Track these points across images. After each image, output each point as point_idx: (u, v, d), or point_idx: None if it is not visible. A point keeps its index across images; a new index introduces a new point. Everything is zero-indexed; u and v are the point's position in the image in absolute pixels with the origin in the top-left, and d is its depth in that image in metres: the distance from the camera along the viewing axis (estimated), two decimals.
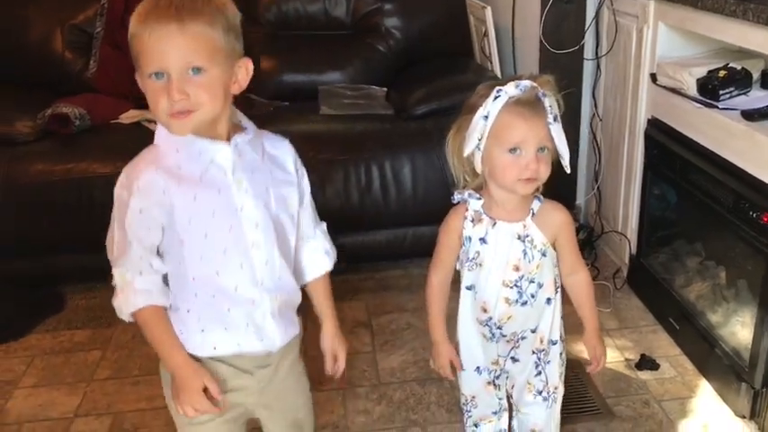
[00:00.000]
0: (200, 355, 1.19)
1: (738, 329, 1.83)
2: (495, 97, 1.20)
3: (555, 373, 1.42)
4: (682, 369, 1.98)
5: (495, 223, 1.31)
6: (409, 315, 2.32)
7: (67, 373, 2.11)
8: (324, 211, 2.32)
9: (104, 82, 2.80)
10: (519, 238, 1.31)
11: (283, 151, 1.23)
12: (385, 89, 2.84)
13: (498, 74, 2.82)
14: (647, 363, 1.98)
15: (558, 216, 1.34)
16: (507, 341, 1.39)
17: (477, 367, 1.45)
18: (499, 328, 1.38)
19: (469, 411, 1.52)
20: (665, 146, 2.09)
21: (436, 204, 2.45)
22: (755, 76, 1.92)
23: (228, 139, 1.14)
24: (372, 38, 2.95)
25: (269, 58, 2.92)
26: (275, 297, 1.20)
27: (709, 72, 1.92)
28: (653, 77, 2.13)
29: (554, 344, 1.40)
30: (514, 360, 1.42)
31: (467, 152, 1.26)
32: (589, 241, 2.60)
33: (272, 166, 1.20)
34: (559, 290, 1.39)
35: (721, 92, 1.87)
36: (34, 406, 1.98)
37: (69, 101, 2.56)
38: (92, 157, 2.39)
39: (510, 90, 1.20)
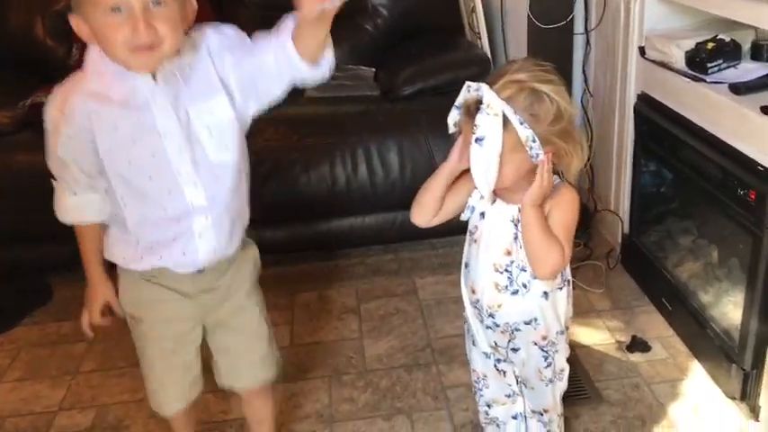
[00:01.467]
0: (132, 269, 1.29)
1: (730, 309, 1.79)
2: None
3: (562, 358, 1.38)
4: (674, 351, 1.94)
5: (494, 200, 1.26)
6: (398, 300, 2.29)
7: (53, 366, 2.10)
8: (310, 196, 2.33)
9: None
10: (512, 221, 1.24)
11: (198, 60, 1.18)
12: (373, 69, 2.78)
13: (487, 51, 2.76)
14: (638, 345, 1.94)
15: (554, 197, 1.22)
16: (502, 332, 1.33)
17: (483, 351, 1.41)
18: (491, 316, 1.31)
19: (481, 390, 1.47)
20: (654, 122, 2.03)
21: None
22: (745, 47, 1.85)
23: None
24: (359, 16, 2.88)
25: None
26: (206, 216, 1.23)
27: (698, 44, 1.86)
28: (641, 51, 2.06)
29: (561, 334, 1.34)
30: (514, 350, 1.36)
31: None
32: (583, 220, 2.54)
33: (193, 82, 1.18)
34: (566, 284, 1.32)
35: (710, 65, 1.81)
36: (17, 400, 1.97)
37: (49, 89, 2.51)
38: None
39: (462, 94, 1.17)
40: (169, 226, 1.23)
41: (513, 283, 1.28)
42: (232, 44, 1.21)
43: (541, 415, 1.45)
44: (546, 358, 1.35)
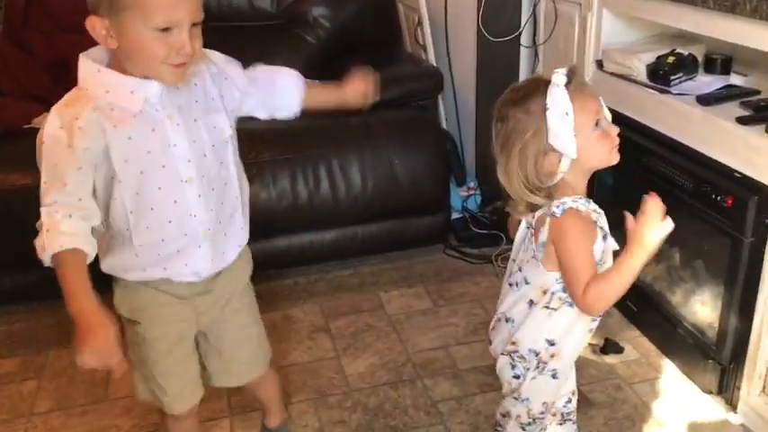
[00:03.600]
0: (132, 279, 1.30)
1: (699, 309, 1.89)
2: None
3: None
4: (644, 350, 2.02)
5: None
6: (366, 316, 2.26)
7: (1, 409, 1.90)
8: (272, 213, 2.25)
9: (9, 83, 2.54)
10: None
11: (202, 78, 1.26)
12: (317, 82, 2.73)
13: (433, 62, 2.78)
14: (611, 346, 2.01)
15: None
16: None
17: None
18: None
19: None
20: None
21: (386, 201, 2.42)
22: (699, 60, 1.97)
23: None
24: (300, 28, 2.83)
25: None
26: (207, 229, 1.27)
27: (658, 58, 1.96)
28: (599, 64, 2.15)
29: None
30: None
31: (565, 151, 1.19)
32: None
33: (198, 95, 1.25)
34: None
35: (672, 77, 1.91)
36: None
37: None
38: (7, 167, 2.17)
39: (558, 78, 1.18)
40: (174, 238, 1.26)
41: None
42: (233, 72, 1.34)
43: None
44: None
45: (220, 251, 1.33)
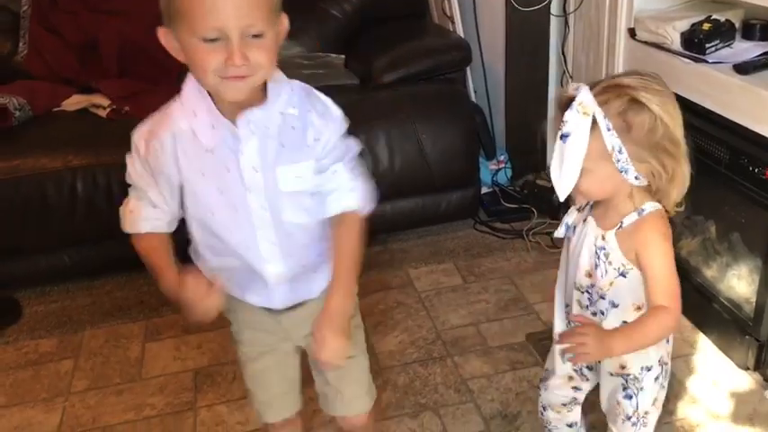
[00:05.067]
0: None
1: (736, 283, 1.84)
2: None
3: (647, 399, 1.27)
4: (680, 326, 1.98)
5: (586, 219, 1.21)
6: (396, 292, 2.25)
7: (40, 388, 1.95)
8: None
9: (38, 66, 2.57)
10: (594, 245, 1.18)
11: (302, 121, 1.11)
12: (343, 56, 2.71)
13: (461, 34, 2.73)
14: None
15: (641, 239, 1.12)
16: None
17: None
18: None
19: (545, 384, 1.39)
20: None
21: (414, 176, 2.40)
22: (737, 25, 1.90)
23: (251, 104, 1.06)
24: (326, 3, 2.81)
25: None
26: (281, 274, 1.19)
27: (693, 25, 1.89)
28: (631, 32, 2.08)
29: (648, 370, 1.24)
30: (588, 369, 1.32)
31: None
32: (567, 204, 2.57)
33: (285, 140, 1.10)
34: None
35: (707, 45, 1.84)
36: (10, 429, 1.82)
37: (5, 90, 2.33)
38: (39, 150, 2.20)
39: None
40: (243, 275, 1.20)
41: (592, 304, 1.22)
42: (333, 133, 1.15)
43: None
44: (625, 389, 1.26)
45: (306, 288, 1.24)
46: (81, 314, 2.23)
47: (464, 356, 1.94)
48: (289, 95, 1.10)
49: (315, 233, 1.19)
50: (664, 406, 1.68)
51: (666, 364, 1.27)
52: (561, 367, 1.35)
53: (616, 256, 1.15)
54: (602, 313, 1.21)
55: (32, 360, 2.07)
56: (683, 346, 1.91)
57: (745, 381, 1.77)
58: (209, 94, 1.06)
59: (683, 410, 1.71)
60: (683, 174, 1.11)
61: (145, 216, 1.15)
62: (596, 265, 1.18)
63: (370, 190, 1.25)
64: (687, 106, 1.84)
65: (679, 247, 2.08)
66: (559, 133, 1.07)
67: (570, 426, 1.42)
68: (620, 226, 1.14)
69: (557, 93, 1.14)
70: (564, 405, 1.39)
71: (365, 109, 2.34)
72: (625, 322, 1.19)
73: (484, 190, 2.68)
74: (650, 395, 1.26)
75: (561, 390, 1.37)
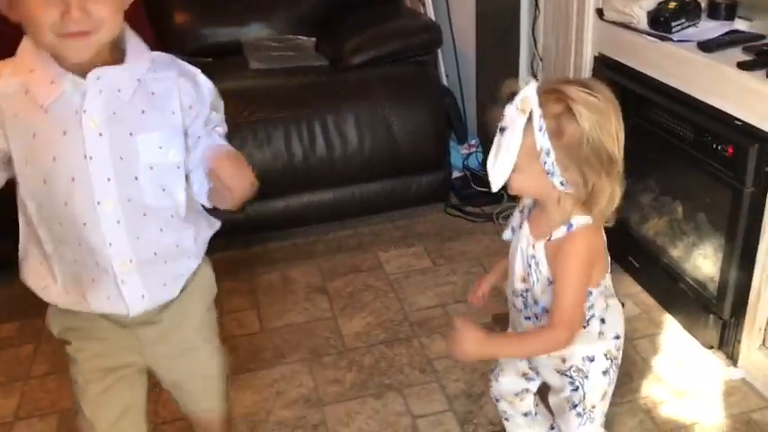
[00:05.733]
0: (52, 302, 1.11)
1: (701, 263, 1.84)
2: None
3: (595, 391, 1.23)
4: (645, 306, 1.99)
5: (521, 224, 1.21)
6: (365, 276, 2.23)
7: None
8: (267, 174, 2.21)
9: None
10: (527, 255, 1.18)
11: (166, 86, 1.03)
12: (314, 39, 2.68)
13: (432, 16, 2.71)
14: None
15: (561, 251, 1.12)
16: None
17: None
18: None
19: (495, 376, 1.40)
20: (614, 82, 2.02)
21: (384, 159, 2.38)
22: (703, 5, 1.89)
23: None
24: None
25: (184, 11, 2.71)
26: (128, 261, 1.05)
27: (659, 4, 1.88)
28: (599, 13, 2.07)
29: (591, 360, 1.21)
30: (536, 372, 1.32)
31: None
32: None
33: (146, 106, 1.01)
34: (593, 322, 1.19)
35: (673, 24, 1.83)
36: None
37: None
38: None
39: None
40: (85, 263, 1.04)
41: (527, 308, 1.23)
42: (203, 103, 1.08)
43: None
44: (572, 383, 1.24)
45: (159, 283, 1.10)
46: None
47: (431, 337, 1.93)
48: (151, 63, 1.03)
49: (171, 219, 1.08)
50: (627, 384, 1.69)
51: (616, 359, 1.25)
52: (513, 365, 1.35)
53: (544, 266, 1.15)
54: (537, 318, 1.21)
55: None
56: (648, 325, 1.91)
57: (710, 360, 1.77)
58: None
59: (647, 389, 1.70)
60: (609, 190, 1.09)
61: None
62: (528, 273, 1.19)
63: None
64: (653, 85, 1.86)
65: (647, 228, 2.08)
66: (498, 125, 1.07)
67: (525, 415, 1.41)
68: (549, 238, 1.14)
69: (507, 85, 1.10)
70: (516, 395, 1.39)
71: (334, 90, 2.33)
72: None
73: (455, 174, 2.67)
74: (598, 388, 1.23)
75: (512, 381, 1.37)
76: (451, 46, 2.76)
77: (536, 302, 1.20)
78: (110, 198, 1.01)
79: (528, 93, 1.05)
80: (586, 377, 1.22)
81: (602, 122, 1.05)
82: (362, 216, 2.49)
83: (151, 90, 1.02)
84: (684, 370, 1.75)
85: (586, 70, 2.17)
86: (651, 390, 1.70)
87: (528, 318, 1.23)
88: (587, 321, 1.19)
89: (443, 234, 2.45)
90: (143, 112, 1.01)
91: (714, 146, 1.66)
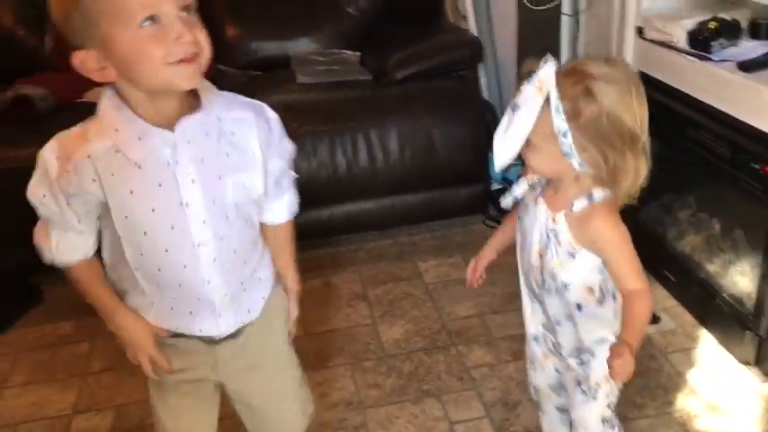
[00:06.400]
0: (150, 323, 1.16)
1: (738, 279, 1.86)
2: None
3: (600, 369, 1.24)
4: (681, 321, 2.01)
5: (536, 200, 1.22)
6: (405, 284, 2.30)
7: (58, 368, 2.03)
8: (312, 184, 2.31)
9: (63, 60, 2.64)
10: (545, 229, 1.19)
11: (244, 129, 1.08)
12: (358, 53, 2.76)
13: (474, 32, 2.77)
14: None
15: (593, 229, 1.13)
16: (547, 316, 1.29)
17: (534, 336, 1.36)
18: (539, 296, 1.27)
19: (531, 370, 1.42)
20: (653, 99, 2.03)
21: (424, 171, 2.45)
22: (743, 25, 1.92)
23: (182, 114, 1.01)
24: (342, 0, 2.86)
25: (235, 25, 2.81)
26: (224, 294, 1.12)
27: (699, 24, 1.92)
28: (639, 31, 2.11)
29: (600, 342, 1.24)
30: (557, 346, 1.32)
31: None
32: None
33: (229, 149, 1.06)
34: (609, 299, 1.22)
35: (713, 43, 1.86)
36: (27, 405, 1.90)
37: (30, 81, 2.41)
38: None
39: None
40: (184, 299, 1.12)
41: (544, 284, 1.24)
42: (277, 140, 1.15)
43: None
44: (579, 360, 1.28)
45: (245, 310, 1.18)
46: None
47: (468, 346, 1.99)
48: (224, 100, 1.07)
49: (252, 249, 1.16)
50: (662, 396, 1.72)
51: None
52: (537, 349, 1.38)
53: (565, 237, 1.17)
54: (557, 291, 1.22)
55: (51, 342, 2.15)
56: (684, 340, 1.94)
57: (745, 375, 1.79)
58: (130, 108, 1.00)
59: (682, 402, 1.73)
60: (632, 168, 1.09)
61: (74, 245, 1.09)
62: (547, 246, 1.20)
63: (296, 201, 1.25)
64: (692, 104, 1.89)
65: (684, 244, 2.10)
66: (512, 102, 1.08)
67: (561, 411, 1.43)
68: (571, 209, 1.14)
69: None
70: (551, 387, 1.41)
71: (377, 104, 2.40)
72: (579, 305, 1.21)
73: (494, 186, 2.72)
74: (603, 367, 1.19)
75: (545, 366, 1.38)
76: (493, 60, 2.82)
77: (553, 278, 1.21)
78: (206, 239, 1.06)
79: (546, 73, 1.04)
80: (593, 355, 1.25)
81: (620, 98, 1.05)
82: (403, 226, 2.55)
83: (231, 131, 1.07)
84: (720, 385, 1.77)
85: None
86: (686, 403, 1.73)
87: (549, 291, 1.23)
88: (602, 301, 1.21)
89: (482, 245, 2.46)
90: (227, 155, 1.06)
91: (752, 164, 1.69)
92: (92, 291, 1.14)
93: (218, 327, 1.15)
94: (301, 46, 2.81)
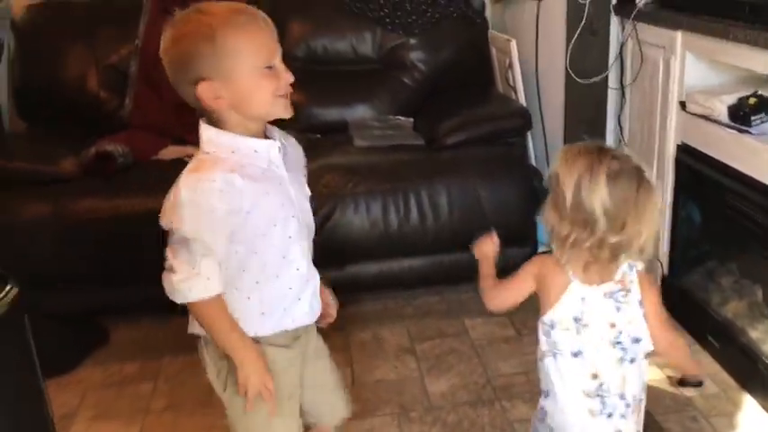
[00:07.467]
0: (253, 336, 1.30)
1: None
2: None
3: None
4: (725, 385, 2.04)
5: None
6: (451, 340, 2.38)
7: (122, 406, 2.15)
8: (365, 240, 2.43)
9: (139, 118, 2.87)
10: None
11: (298, 150, 1.37)
12: (411, 119, 2.92)
13: (523, 102, 2.91)
14: (690, 379, 2.04)
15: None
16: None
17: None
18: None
19: None
20: (696, 170, 2.18)
21: (471, 231, 2.54)
22: None
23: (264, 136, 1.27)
24: (398, 71, 3.04)
25: (298, 92, 2.92)
26: (306, 281, 1.34)
27: (740, 99, 2.02)
28: (682, 105, 2.22)
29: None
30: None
31: None
32: None
33: (300, 156, 1.38)
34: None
35: (753, 118, 1.96)
36: None
37: (111, 139, 2.62)
38: (137, 193, 2.45)
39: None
40: (283, 295, 1.32)
41: (628, 353, 1.33)
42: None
43: None
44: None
45: (316, 298, 1.38)
46: (162, 343, 2.44)
47: (512, 402, 2.05)
48: (276, 131, 1.32)
49: (311, 230, 1.38)
50: None
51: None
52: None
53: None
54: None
55: (117, 381, 2.28)
56: (726, 404, 1.97)
57: None
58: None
59: None
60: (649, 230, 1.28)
61: (219, 276, 1.22)
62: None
63: None
64: (732, 174, 1.98)
65: (727, 310, 2.15)
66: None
67: None
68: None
69: None
70: None
71: (429, 167, 2.53)
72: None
73: (541, 249, 2.80)
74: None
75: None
76: (541, 129, 2.95)
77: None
78: (295, 231, 1.30)
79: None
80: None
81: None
82: (450, 283, 2.65)
83: (295, 152, 1.35)
84: None
85: (669, 158, 2.31)
86: None
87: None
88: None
89: (528, 306, 2.51)
90: (297, 161, 1.35)
91: None
92: (223, 325, 1.26)
93: (313, 308, 1.37)
94: (359, 112, 2.98)
